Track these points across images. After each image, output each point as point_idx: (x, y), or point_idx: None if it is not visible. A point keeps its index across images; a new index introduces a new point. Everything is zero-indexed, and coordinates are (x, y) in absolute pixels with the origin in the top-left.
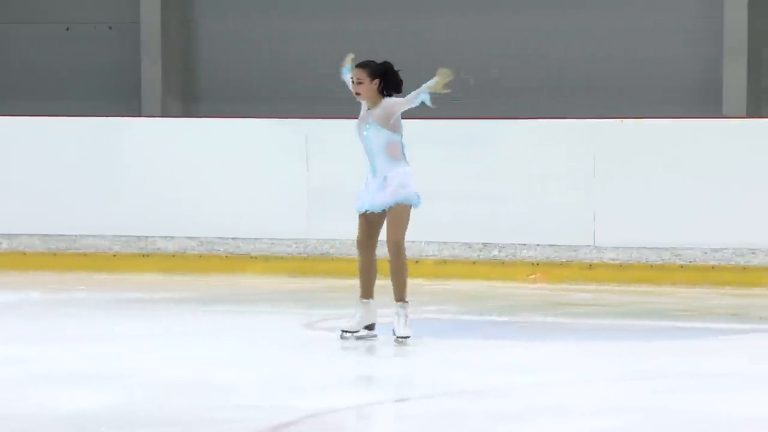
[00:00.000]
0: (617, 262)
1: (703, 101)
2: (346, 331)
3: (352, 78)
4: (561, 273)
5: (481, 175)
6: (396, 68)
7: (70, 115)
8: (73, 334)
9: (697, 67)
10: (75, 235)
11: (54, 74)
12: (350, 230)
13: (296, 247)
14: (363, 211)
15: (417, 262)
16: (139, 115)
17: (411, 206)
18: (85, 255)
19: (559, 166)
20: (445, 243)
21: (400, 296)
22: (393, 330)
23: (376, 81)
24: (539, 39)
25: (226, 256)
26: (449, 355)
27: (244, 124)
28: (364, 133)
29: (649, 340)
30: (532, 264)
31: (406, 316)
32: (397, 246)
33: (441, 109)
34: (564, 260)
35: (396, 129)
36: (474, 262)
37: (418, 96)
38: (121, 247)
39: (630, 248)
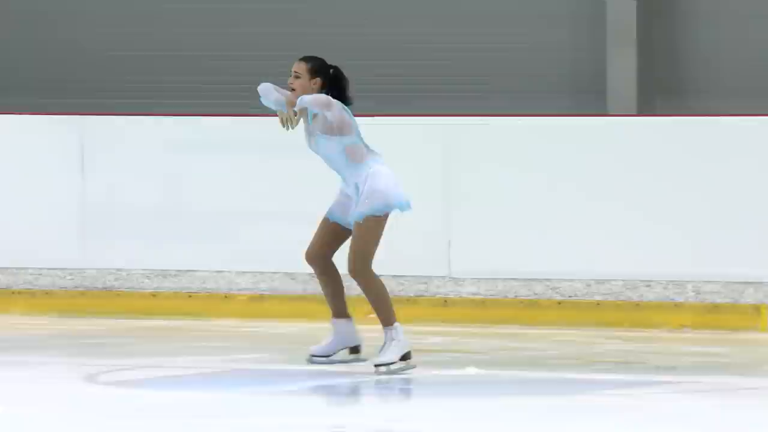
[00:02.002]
0: (479, 297)
1: (585, 96)
2: (316, 356)
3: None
4: (408, 311)
5: (306, 189)
6: (343, 76)
7: None
8: None
9: (577, 57)
10: None
11: None
12: (139, 258)
13: (71, 280)
14: (342, 223)
15: (226, 297)
16: None
17: (384, 215)
18: None
19: (404, 177)
20: (261, 273)
21: (390, 321)
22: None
23: (317, 81)
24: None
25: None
26: (270, 418)
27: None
28: (314, 145)
29: (520, 395)
30: None
31: (392, 339)
32: (359, 274)
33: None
34: (412, 295)
35: (346, 131)
36: (299, 298)
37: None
38: None
39: (494, 280)
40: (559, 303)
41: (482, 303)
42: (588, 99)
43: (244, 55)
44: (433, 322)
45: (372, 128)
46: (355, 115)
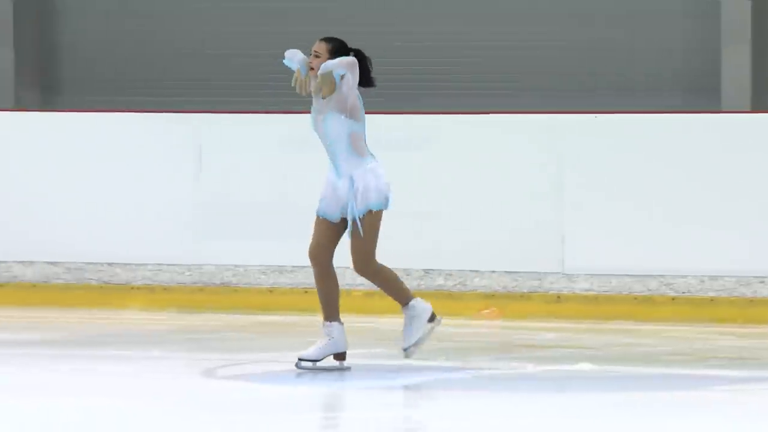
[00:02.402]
0: (592, 293)
1: (699, 93)
2: (304, 360)
3: (296, 79)
4: (522, 307)
5: (422, 185)
6: (366, 57)
7: None
8: None
9: (691, 55)
10: None
11: None
12: (256, 255)
13: (189, 275)
14: (335, 219)
15: (342, 293)
16: None
17: (381, 211)
18: None
19: (518, 174)
20: None
21: (406, 300)
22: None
23: None
24: (485, 24)
25: (100, 287)
26: (383, 412)
27: (120, 119)
28: (323, 123)
29: (633, 391)
30: (486, 296)
31: (412, 317)
32: (366, 271)
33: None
34: (525, 291)
35: (356, 116)
36: (414, 294)
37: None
38: None
39: (608, 276)
40: (673, 299)
41: (595, 299)
42: (701, 96)
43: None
44: (546, 318)
45: (486, 125)
46: (468, 113)
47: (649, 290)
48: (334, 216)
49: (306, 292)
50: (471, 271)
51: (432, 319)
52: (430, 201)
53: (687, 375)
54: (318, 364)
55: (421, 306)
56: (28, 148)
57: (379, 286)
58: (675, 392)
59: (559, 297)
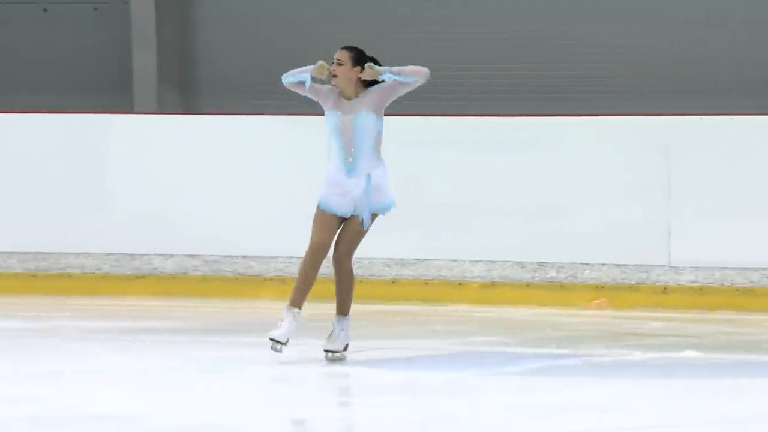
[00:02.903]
0: (696, 285)
1: None
2: (275, 340)
3: (331, 73)
4: (630, 298)
5: (535, 183)
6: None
7: (49, 111)
8: (55, 370)
9: None
10: (57, 254)
11: (30, 63)
12: (380, 248)
13: None
14: (344, 215)
15: (460, 284)
16: (131, 111)
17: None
18: (69, 276)
19: (627, 172)
20: (493, 262)
21: (347, 311)
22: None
23: (358, 68)
24: (599, 25)
25: (235, 278)
26: (501, 395)
27: (256, 122)
28: (352, 122)
29: (737, 377)
30: (596, 287)
31: (341, 330)
32: (348, 263)
33: (479, 105)
34: (633, 283)
35: (381, 117)
36: (527, 285)
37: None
38: (111, 267)
39: (712, 269)
40: None
41: (700, 290)
42: None
43: (452, 57)
44: (653, 309)
45: (598, 127)
46: (581, 115)
47: (751, 282)
48: (344, 212)
49: (426, 283)
50: (582, 263)
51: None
52: (545, 198)
53: None
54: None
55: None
56: (169, 147)
57: (342, 283)
58: None
59: (665, 288)
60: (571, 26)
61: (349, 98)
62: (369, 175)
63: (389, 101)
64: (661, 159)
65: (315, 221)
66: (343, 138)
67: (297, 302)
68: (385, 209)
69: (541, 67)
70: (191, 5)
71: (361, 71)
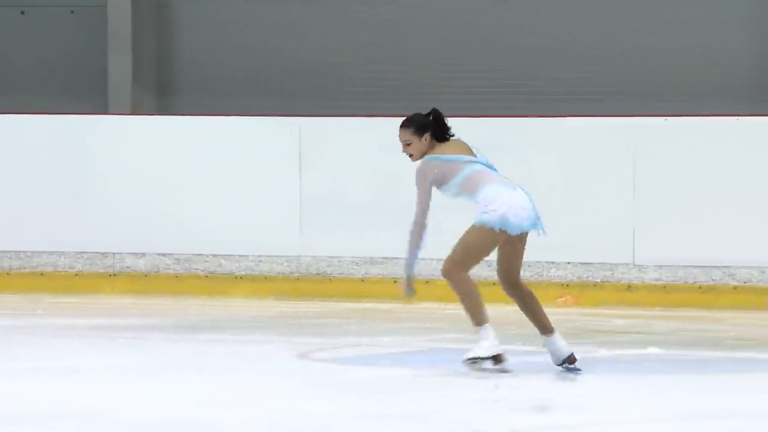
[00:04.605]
0: (660, 283)
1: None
2: (478, 358)
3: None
4: (595, 295)
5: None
6: (442, 114)
7: (26, 112)
8: (29, 367)
9: (756, 59)
10: (31, 252)
11: (7, 65)
12: (350, 247)
13: (288, 266)
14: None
15: (428, 282)
16: (107, 112)
17: (489, 229)
18: (42, 274)
19: (592, 172)
20: None
21: (471, 322)
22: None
23: (426, 135)
24: (564, 27)
25: (207, 276)
26: (468, 392)
27: (228, 123)
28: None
29: (700, 373)
30: (562, 285)
31: (478, 341)
32: (445, 272)
33: (447, 107)
34: (599, 281)
35: (450, 176)
36: (494, 283)
37: (408, 247)
38: (84, 265)
39: (675, 267)
40: (735, 288)
41: (664, 288)
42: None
43: (454, 61)
44: (617, 306)
45: (564, 127)
46: (547, 116)
47: (713, 280)
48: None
49: (395, 281)
50: (547, 262)
51: (499, 360)
52: None
53: (752, 358)
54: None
55: (493, 336)
56: (143, 149)
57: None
58: (740, 374)
59: (629, 286)
60: (535, 28)
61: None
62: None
63: (431, 183)
64: (627, 159)
65: None
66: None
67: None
68: (478, 223)
69: (505, 69)
70: (167, 8)
71: (431, 135)
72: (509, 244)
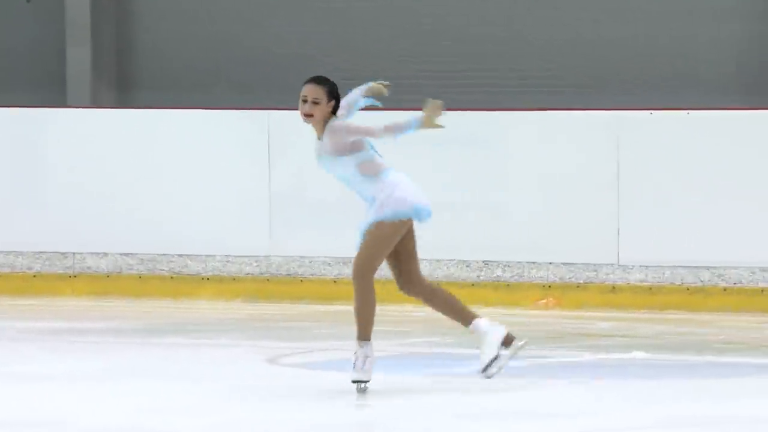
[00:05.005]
0: (646, 284)
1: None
2: (361, 381)
3: (305, 97)
4: (578, 297)
5: (480, 179)
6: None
7: None
8: None
9: (744, 51)
10: None
11: None
12: (321, 246)
13: (256, 267)
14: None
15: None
16: (65, 106)
17: (399, 221)
18: None
19: (574, 169)
20: (437, 261)
21: (358, 334)
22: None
23: (332, 104)
24: (546, 19)
25: (171, 277)
26: (443, 397)
27: (192, 117)
28: (324, 167)
29: (687, 378)
30: (543, 286)
31: (365, 357)
32: (359, 272)
33: (419, 99)
34: (582, 282)
35: (358, 147)
36: (472, 284)
37: (395, 133)
38: (43, 266)
39: (661, 267)
40: (725, 290)
41: (650, 290)
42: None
43: (456, 50)
44: (601, 308)
45: (544, 121)
46: (541, 109)
47: (702, 281)
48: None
49: None
50: (528, 262)
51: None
52: (490, 195)
53: (740, 363)
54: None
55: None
56: (103, 143)
57: (354, 301)
58: (728, 379)
59: (614, 288)
60: (517, 20)
61: (319, 136)
62: (373, 197)
63: (349, 142)
64: (610, 155)
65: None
66: (337, 178)
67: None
68: (387, 218)
69: (484, 61)
70: None
71: (334, 105)
72: (410, 234)
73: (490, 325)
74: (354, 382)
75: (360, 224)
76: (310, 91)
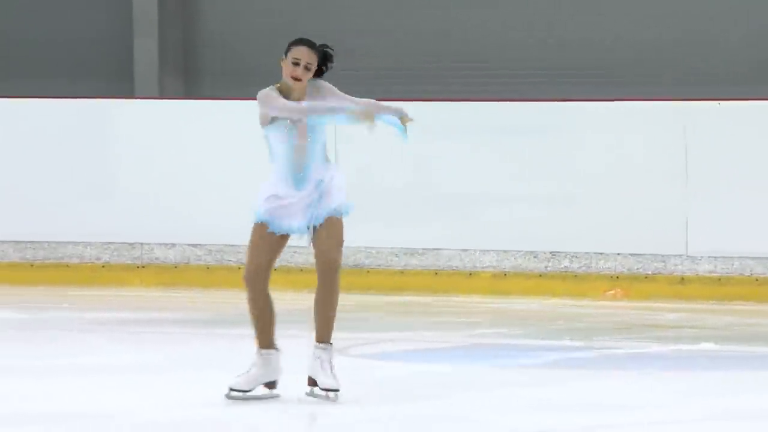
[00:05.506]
0: (715, 275)
1: None
2: (235, 390)
3: (298, 60)
4: (646, 288)
5: (548, 170)
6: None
7: (49, 96)
8: (52, 364)
9: None
10: (56, 243)
11: (30, 48)
12: (391, 237)
13: None
14: (300, 233)
15: (471, 275)
16: (132, 96)
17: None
18: (67, 266)
19: (642, 159)
20: (505, 252)
21: (325, 336)
22: (314, 382)
23: (314, 71)
24: (617, 10)
25: (239, 268)
26: (511, 389)
27: (254, 107)
28: (312, 135)
29: (755, 370)
30: (611, 277)
31: (331, 362)
32: (337, 266)
33: (490, 90)
34: (650, 273)
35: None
36: (540, 275)
37: (336, 114)
38: (111, 256)
39: (730, 258)
40: None
41: (718, 280)
42: None
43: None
44: (670, 299)
45: (614, 112)
46: (597, 100)
47: None
48: (288, 229)
49: (436, 273)
50: (596, 253)
51: (272, 386)
52: (558, 186)
53: None
54: (248, 393)
55: (278, 363)
56: (171, 134)
57: (324, 295)
58: None
59: (682, 279)
60: (587, 10)
61: (299, 101)
62: (321, 180)
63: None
64: (679, 145)
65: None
66: (296, 148)
67: (262, 343)
68: (345, 211)
69: (553, 52)
70: None
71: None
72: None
73: (270, 364)
74: (325, 390)
75: (292, 207)
76: (305, 54)
